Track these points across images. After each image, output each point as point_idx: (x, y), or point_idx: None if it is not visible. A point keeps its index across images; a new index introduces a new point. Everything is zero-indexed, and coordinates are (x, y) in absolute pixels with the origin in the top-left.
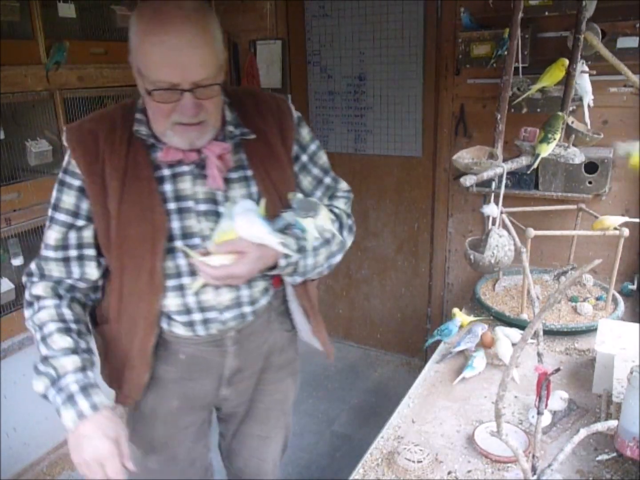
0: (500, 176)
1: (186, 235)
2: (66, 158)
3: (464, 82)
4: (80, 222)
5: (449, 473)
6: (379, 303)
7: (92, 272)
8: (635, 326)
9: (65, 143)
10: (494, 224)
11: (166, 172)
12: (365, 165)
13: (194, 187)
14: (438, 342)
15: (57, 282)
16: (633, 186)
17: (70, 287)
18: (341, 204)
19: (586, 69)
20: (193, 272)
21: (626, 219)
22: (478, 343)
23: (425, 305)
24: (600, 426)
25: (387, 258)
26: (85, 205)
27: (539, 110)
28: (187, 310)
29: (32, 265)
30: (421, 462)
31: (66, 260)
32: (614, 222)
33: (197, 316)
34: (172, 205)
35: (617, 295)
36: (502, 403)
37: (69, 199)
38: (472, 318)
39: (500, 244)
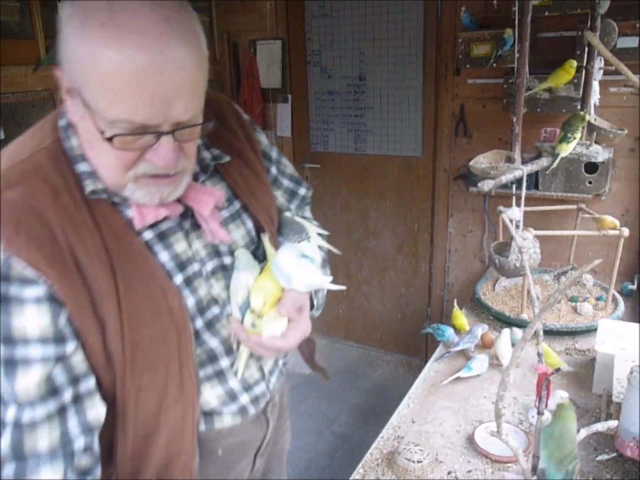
0: (520, 179)
1: (203, 309)
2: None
3: (464, 82)
4: (70, 347)
5: (449, 473)
6: (379, 303)
7: (99, 411)
8: (635, 326)
9: None
10: (517, 227)
11: (148, 234)
12: (365, 165)
13: (192, 245)
14: (437, 342)
15: (54, 460)
16: (633, 186)
17: (72, 454)
18: (308, 212)
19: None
20: (230, 350)
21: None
22: (478, 344)
23: (425, 305)
24: (600, 426)
25: (387, 258)
26: (63, 319)
27: (539, 110)
28: (233, 397)
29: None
30: (421, 462)
31: (62, 411)
32: (612, 222)
33: (245, 398)
34: (179, 279)
35: (617, 295)
36: (502, 403)
37: (38, 320)
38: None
39: (525, 247)
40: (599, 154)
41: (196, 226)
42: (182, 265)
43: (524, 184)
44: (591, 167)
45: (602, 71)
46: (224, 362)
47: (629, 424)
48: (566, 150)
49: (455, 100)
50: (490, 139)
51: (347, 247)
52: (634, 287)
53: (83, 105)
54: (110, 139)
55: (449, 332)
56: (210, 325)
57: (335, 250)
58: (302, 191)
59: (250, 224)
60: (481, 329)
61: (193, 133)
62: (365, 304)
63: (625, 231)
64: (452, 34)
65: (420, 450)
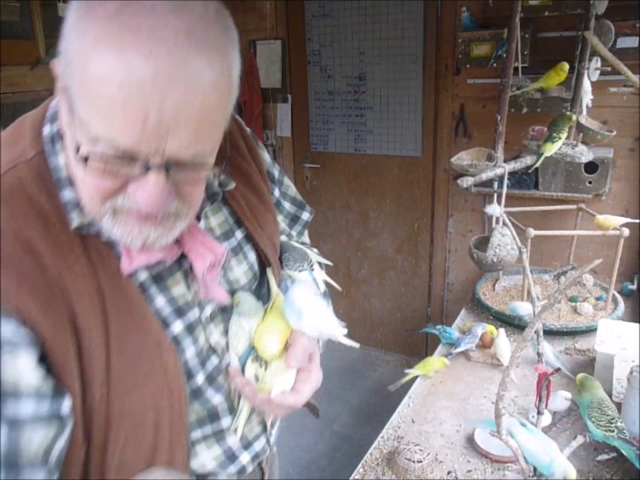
0: (502, 176)
1: (204, 361)
2: None
3: (464, 82)
4: (66, 407)
5: (449, 473)
6: (379, 303)
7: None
8: (635, 326)
9: None
10: (497, 223)
11: (142, 275)
12: (365, 165)
13: (192, 287)
14: (437, 342)
15: None
16: (633, 186)
17: None
18: (306, 237)
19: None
20: (233, 406)
21: (627, 219)
22: (478, 344)
23: (425, 305)
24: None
25: (387, 258)
26: (50, 381)
27: (539, 110)
28: (232, 457)
29: None
30: (421, 462)
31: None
32: (615, 222)
33: (245, 457)
34: (178, 327)
35: (617, 295)
36: (502, 403)
37: (27, 373)
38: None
39: (503, 242)
40: (584, 154)
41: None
42: (180, 311)
43: (505, 182)
44: (591, 167)
45: (598, 72)
46: (225, 422)
47: (629, 424)
48: (551, 150)
49: (455, 100)
50: (490, 138)
51: (347, 247)
52: (634, 287)
53: (69, 110)
54: (85, 159)
55: (455, 334)
56: (212, 379)
57: (336, 285)
58: (305, 216)
59: (253, 256)
60: (481, 329)
61: (195, 174)
62: (365, 304)
63: (625, 231)
64: (452, 34)
65: (420, 450)
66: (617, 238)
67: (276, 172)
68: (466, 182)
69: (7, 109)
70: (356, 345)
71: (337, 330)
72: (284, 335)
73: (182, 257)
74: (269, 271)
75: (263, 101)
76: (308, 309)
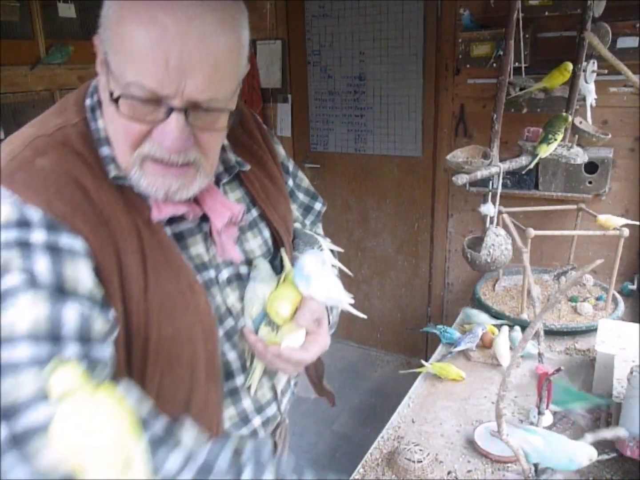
0: (498, 176)
1: (221, 319)
2: (32, 213)
3: (464, 82)
4: (112, 316)
5: (449, 473)
6: (379, 303)
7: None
8: (635, 326)
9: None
10: (491, 222)
11: (167, 231)
12: (365, 165)
13: (210, 250)
14: (437, 342)
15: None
16: (633, 186)
17: None
18: (320, 229)
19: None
20: (245, 367)
21: (628, 221)
22: (478, 344)
23: (425, 305)
24: (608, 433)
25: (387, 258)
26: (101, 290)
27: (539, 110)
28: (245, 419)
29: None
30: (421, 462)
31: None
32: (616, 222)
33: (257, 421)
34: (199, 280)
35: (617, 295)
36: (503, 403)
37: (83, 274)
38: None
39: (497, 242)
40: (579, 156)
41: (211, 237)
42: (197, 269)
43: (500, 181)
44: (591, 167)
45: (594, 74)
46: (239, 380)
47: (629, 424)
48: (546, 151)
49: (455, 100)
50: (490, 138)
51: (347, 247)
52: (634, 287)
53: (107, 72)
54: (116, 100)
55: (456, 334)
56: (228, 336)
57: (346, 270)
58: (317, 206)
59: (267, 233)
60: (481, 329)
61: (211, 121)
62: (365, 304)
63: (625, 231)
64: (452, 34)
65: (420, 450)
66: (617, 238)
67: (290, 165)
68: (461, 179)
69: (7, 109)
70: (363, 316)
71: (344, 298)
72: (294, 301)
73: (203, 222)
74: (282, 250)
75: (263, 101)
76: (316, 275)
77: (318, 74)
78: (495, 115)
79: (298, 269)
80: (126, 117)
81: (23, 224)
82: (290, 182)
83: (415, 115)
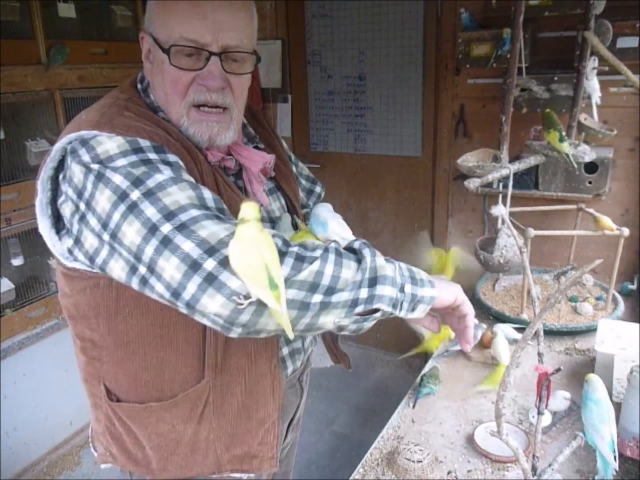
0: (507, 177)
1: None
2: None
3: (464, 82)
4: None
5: (449, 473)
6: None
7: None
8: (635, 326)
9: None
10: (502, 224)
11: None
12: (365, 165)
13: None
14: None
15: None
16: (633, 186)
17: None
18: None
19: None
20: None
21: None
22: (478, 344)
23: None
24: None
25: None
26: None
27: (539, 109)
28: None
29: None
30: (421, 462)
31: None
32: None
33: (285, 350)
34: None
35: (617, 295)
36: (502, 403)
37: (192, 179)
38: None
39: (509, 243)
40: (587, 154)
41: (242, 189)
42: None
43: (510, 182)
44: (591, 167)
45: (595, 71)
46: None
47: (629, 424)
48: (568, 147)
49: (455, 100)
50: (490, 139)
51: None
52: (634, 287)
53: (153, 46)
54: (167, 51)
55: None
56: None
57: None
58: (317, 189)
59: (282, 201)
60: (481, 329)
61: (239, 66)
62: None
63: (625, 231)
64: (452, 34)
65: (420, 450)
66: (617, 238)
67: (292, 157)
68: (473, 183)
69: (7, 109)
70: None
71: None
72: None
73: (238, 179)
74: (295, 217)
75: (263, 101)
76: (331, 220)
77: (318, 74)
78: (504, 118)
79: (314, 217)
80: (177, 66)
81: (138, 150)
82: (294, 169)
83: (415, 115)
